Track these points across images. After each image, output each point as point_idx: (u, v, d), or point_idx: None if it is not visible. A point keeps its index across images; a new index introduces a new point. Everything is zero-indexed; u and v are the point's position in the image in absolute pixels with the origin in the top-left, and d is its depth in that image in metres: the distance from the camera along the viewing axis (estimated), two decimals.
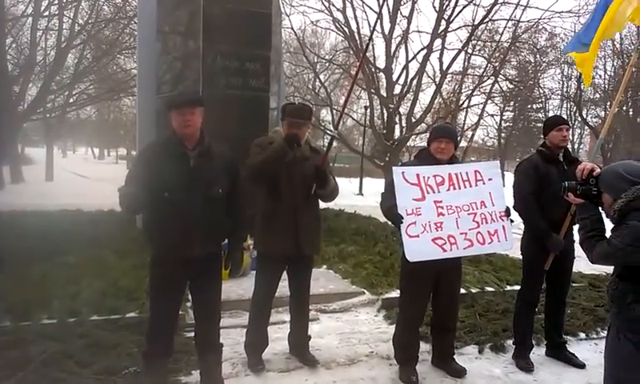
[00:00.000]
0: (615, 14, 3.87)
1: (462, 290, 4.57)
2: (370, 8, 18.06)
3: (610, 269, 2.33)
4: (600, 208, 2.31)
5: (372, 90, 16.27)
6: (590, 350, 4.17)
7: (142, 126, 7.16)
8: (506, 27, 16.35)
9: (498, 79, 18.22)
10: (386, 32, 15.87)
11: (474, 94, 18.28)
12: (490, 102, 20.72)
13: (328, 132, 16.95)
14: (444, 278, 3.49)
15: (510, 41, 16.69)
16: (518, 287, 4.22)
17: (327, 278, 5.70)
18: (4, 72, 16.09)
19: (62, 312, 3.97)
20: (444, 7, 15.21)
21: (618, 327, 2.21)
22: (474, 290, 5.33)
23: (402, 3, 15.82)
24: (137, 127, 7.77)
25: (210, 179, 2.85)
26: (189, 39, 6.52)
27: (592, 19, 4.08)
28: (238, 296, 4.63)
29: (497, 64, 17.24)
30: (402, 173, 3.34)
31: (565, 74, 24.51)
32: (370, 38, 10.64)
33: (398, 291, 3.80)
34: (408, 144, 17.77)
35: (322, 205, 3.71)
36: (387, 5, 15.22)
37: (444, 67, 16.06)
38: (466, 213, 3.40)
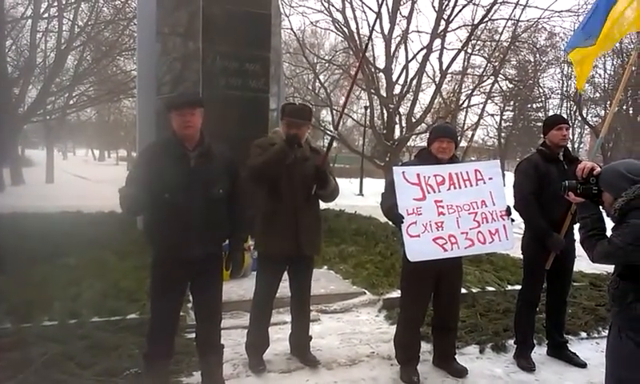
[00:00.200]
0: (620, 18, 3.82)
1: (463, 290, 4.57)
2: (370, 8, 18.03)
3: (610, 268, 2.32)
4: (600, 207, 2.31)
5: (372, 91, 16.26)
6: (592, 350, 4.17)
7: (142, 127, 7.16)
8: (505, 27, 16.35)
9: (498, 79, 18.23)
10: (386, 32, 15.88)
11: (474, 93, 18.31)
12: (489, 101, 20.74)
13: (328, 132, 16.94)
14: (445, 278, 3.49)
15: (509, 40, 16.69)
16: (518, 287, 4.22)
17: (328, 278, 5.70)
18: (4, 74, 16.09)
19: (62, 313, 3.97)
20: (443, 7, 15.20)
21: (619, 326, 2.21)
22: (474, 290, 5.33)
23: (402, 3, 15.83)
24: (137, 128, 7.77)
25: (210, 180, 2.85)
26: (188, 40, 6.52)
27: (594, 12, 4.03)
28: (239, 297, 4.62)
29: (496, 63, 17.24)
30: (403, 172, 3.34)
31: (565, 73, 24.51)
32: (370, 38, 10.63)
33: (399, 291, 3.80)
34: (408, 144, 17.76)
35: (323, 205, 3.71)
36: (386, 5, 15.25)
37: (444, 67, 16.07)
38: (466, 212, 3.40)
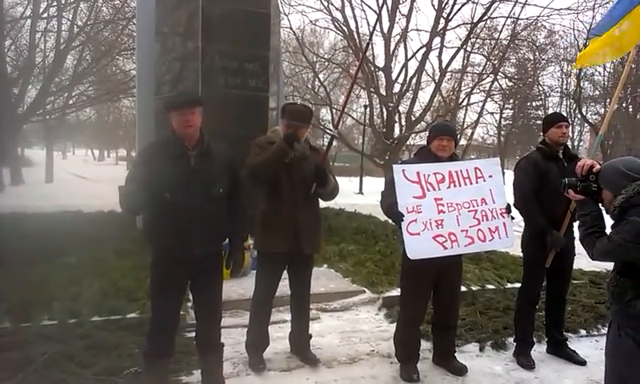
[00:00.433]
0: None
1: (463, 288, 4.57)
2: (369, 7, 18.06)
3: (610, 266, 2.32)
4: (600, 204, 2.31)
5: (371, 89, 16.25)
6: (591, 347, 4.17)
7: (142, 126, 7.16)
8: (504, 25, 16.38)
9: (498, 77, 18.24)
10: (385, 31, 15.86)
11: (474, 91, 18.29)
12: (489, 99, 20.75)
13: (328, 131, 16.92)
14: (445, 276, 3.49)
15: (509, 38, 16.69)
16: (518, 285, 4.22)
17: (328, 276, 5.70)
18: (3, 74, 16.07)
19: (62, 313, 3.97)
20: (443, 5, 15.18)
21: (618, 324, 2.21)
22: (474, 288, 5.33)
23: (401, 2, 15.79)
24: (136, 128, 7.77)
25: (210, 179, 2.85)
26: (188, 40, 6.52)
27: (615, 7, 3.98)
28: (239, 295, 4.63)
29: (496, 62, 17.24)
30: (403, 171, 3.34)
31: (564, 71, 24.49)
32: (370, 39, 10.64)
33: (399, 289, 3.80)
34: (408, 142, 17.77)
35: (323, 204, 3.71)
36: (386, 4, 15.20)
37: (443, 65, 16.06)
38: (466, 210, 3.40)
